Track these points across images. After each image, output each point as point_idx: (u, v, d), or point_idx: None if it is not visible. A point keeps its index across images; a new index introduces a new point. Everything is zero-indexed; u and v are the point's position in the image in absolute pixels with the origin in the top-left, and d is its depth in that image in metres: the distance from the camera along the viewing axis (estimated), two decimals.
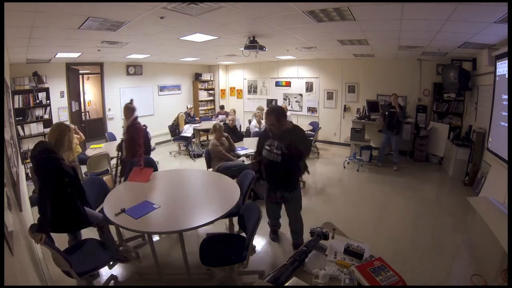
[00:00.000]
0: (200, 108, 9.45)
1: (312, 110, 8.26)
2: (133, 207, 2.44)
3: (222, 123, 4.86)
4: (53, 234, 2.13)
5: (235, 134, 5.43)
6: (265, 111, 7.05)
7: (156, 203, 2.51)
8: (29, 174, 5.40)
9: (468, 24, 3.07)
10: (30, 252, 2.00)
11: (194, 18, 3.07)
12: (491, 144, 4.13)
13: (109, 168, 4.62)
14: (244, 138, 6.29)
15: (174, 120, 7.02)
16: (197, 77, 9.36)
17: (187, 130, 6.92)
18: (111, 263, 2.54)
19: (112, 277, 2.55)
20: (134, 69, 7.54)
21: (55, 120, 5.87)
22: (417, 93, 6.65)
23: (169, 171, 4.07)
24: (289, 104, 8.50)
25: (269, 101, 9.02)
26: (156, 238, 3.24)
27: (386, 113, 5.73)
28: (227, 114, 7.94)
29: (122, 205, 2.43)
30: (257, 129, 6.15)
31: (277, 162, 2.61)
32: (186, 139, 6.84)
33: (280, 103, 8.69)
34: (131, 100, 4.07)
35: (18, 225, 1.94)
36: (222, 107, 8.73)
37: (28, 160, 5.46)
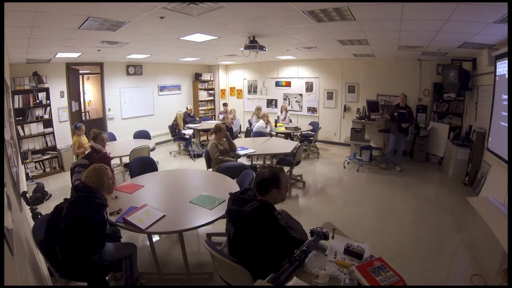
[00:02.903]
0: (200, 108, 9.45)
1: (312, 110, 8.26)
2: (131, 207, 2.44)
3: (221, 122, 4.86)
4: None
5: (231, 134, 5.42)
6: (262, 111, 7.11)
7: (155, 203, 2.51)
8: (29, 174, 5.42)
9: (468, 24, 3.07)
10: (30, 252, 2.00)
11: (194, 18, 3.07)
12: (491, 144, 4.13)
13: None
14: (244, 138, 6.32)
15: (174, 120, 7.04)
16: (197, 77, 9.36)
17: (186, 133, 6.96)
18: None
19: (113, 277, 2.55)
20: (134, 69, 7.54)
21: (55, 120, 5.87)
22: (417, 93, 6.64)
23: (169, 171, 4.07)
24: (289, 104, 8.50)
25: (269, 101, 9.03)
26: (156, 238, 3.24)
27: (395, 114, 5.66)
28: (227, 112, 7.95)
29: (119, 205, 2.44)
30: (262, 130, 6.16)
31: None
32: (186, 139, 6.86)
33: (280, 103, 8.70)
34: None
35: (18, 225, 1.94)
36: (225, 105, 8.72)
37: (29, 160, 5.47)
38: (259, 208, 1.67)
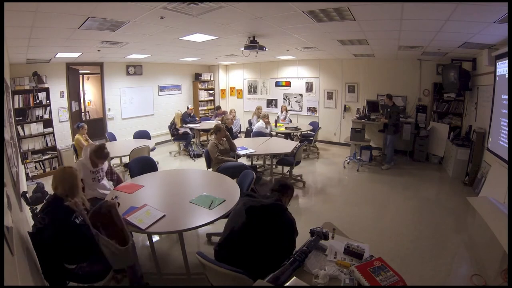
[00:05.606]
0: (200, 108, 9.44)
1: (312, 110, 8.26)
2: (131, 207, 2.44)
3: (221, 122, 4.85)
4: None
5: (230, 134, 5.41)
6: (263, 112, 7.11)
7: (155, 203, 2.51)
8: (29, 174, 5.42)
9: (468, 24, 3.07)
10: (30, 252, 2.00)
11: (194, 18, 3.07)
12: (491, 144, 4.13)
13: None
14: (245, 138, 6.32)
15: (173, 119, 7.05)
16: (197, 77, 9.36)
17: (182, 131, 6.99)
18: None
19: (113, 277, 2.55)
20: (134, 69, 7.54)
21: (55, 120, 5.87)
22: (417, 93, 6.65)
23: (169, 171, 4.07)
24: (289, 104, 8.50)
25: (269, 101, 9.03)
26: (156, 238, 3.24)
27: (386, 111, 5.92)
28: (224, 114, 7.92)
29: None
30: (262, 130, 6.15)
31: None
32: (185, 139, 6.86)
33: (280, 103, 8.70)
34: None
35: (18, 225, 1.93)
36: (218, 108, 8.71)
37: (29, 160, 5.47)
38: (277, 202, 1.90)
